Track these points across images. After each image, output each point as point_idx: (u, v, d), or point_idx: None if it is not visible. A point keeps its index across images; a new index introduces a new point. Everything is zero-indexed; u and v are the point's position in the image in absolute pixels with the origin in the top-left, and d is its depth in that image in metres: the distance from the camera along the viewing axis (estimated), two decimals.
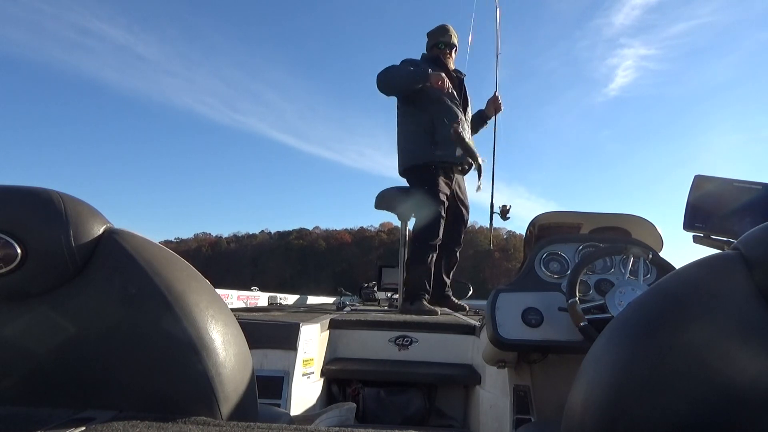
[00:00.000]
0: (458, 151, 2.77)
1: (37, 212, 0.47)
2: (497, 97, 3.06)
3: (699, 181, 1.15)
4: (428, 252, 2.81)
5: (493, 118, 3.13)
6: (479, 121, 3.15)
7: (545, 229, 1.63)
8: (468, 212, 3.04)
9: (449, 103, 2.83)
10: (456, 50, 3.01)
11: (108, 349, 0.47)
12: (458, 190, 2.95)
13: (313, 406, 1.76)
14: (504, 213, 2.90)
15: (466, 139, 2.69)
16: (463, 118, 2.84)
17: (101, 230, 0.51)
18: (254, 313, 2.26)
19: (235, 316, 0.57)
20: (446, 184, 2.83)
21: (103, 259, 0.49)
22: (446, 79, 2.65)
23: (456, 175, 2.92)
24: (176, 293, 0.49)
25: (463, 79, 3.04)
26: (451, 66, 2.98)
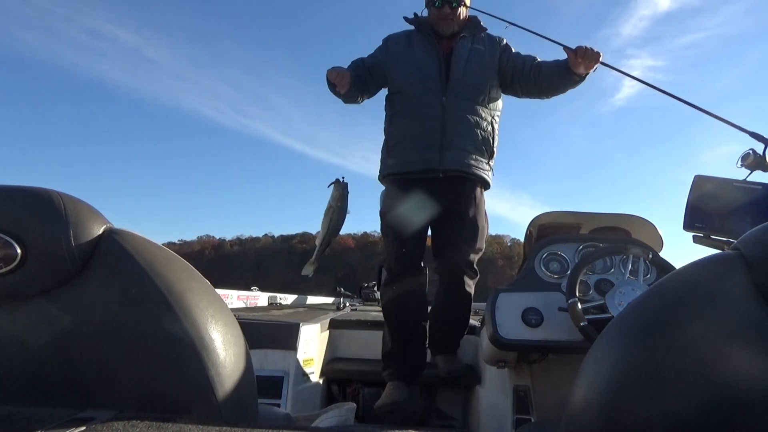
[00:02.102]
0: (423, 156, 1.79)
1: (37, 212, 0.47)
2: (582, 48, 1.68)
3: (699, 181, 1.15)
4: (388, 301, 1.84)
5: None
6: (562, 75, 1.78)
7: (545, 229, 1.63)
8: (472, 231, 1.80)
9: (414, 90, 1.83)
10: (464, 4, 1.88)
11: (108, 349, 0.47)
12: (443, 204, 1.80)
13: (313, 406, 1.76)
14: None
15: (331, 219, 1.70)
16: (445, 106, 1.78)
17: (101, 230, 0.51)
18: (254, 313, 2.26)
19: (235, 316, 0.57)
20: (402, 200, 1.83)
21: (103, 259, 0.49)
22: (339, 78, 1.75)
23: (438, 185, 1.80)
24: (176, 293, 0.49)
25: (464, 38, 1.88)
26: (452, 28, 1.88)
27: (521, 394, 1.48)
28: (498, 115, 1.88)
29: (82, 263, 0.48)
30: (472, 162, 1.79)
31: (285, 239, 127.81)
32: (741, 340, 0.41)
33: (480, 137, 1.80)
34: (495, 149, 1.85)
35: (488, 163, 1.84)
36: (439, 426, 1.95)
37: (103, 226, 0.51)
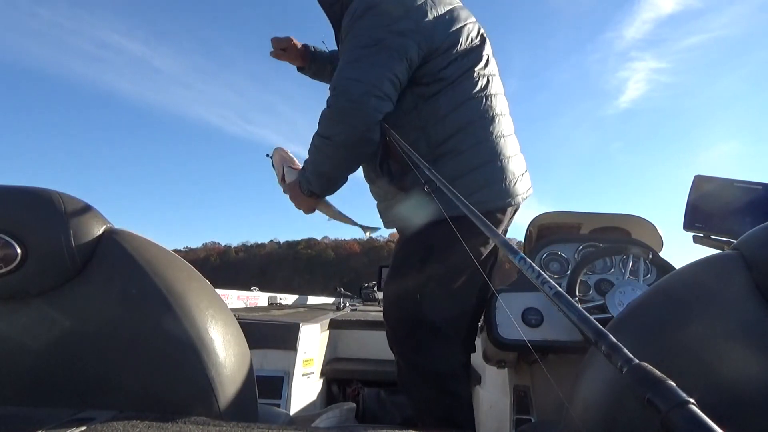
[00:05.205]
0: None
1: (37, 212, 0.47)
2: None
3: (699, 181, 1.15)
4: None
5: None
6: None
7: (545, 229, 1.63)
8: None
9: None
10: None
11: (108, 349, 0.47)
12: None
13: (313, 406, 1.76)
14: None
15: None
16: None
17: (101, 230, 0.51)
18: (254, 313, 2.26)
19: (235, 316, 0.57)
20: None
21: (103, 259, 0.49)
22: None
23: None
24: (176, 293, 0.49)
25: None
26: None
27: (521, 394, 1.48)
28: (393, 122, 1.09)
29: (82, 263, 0.48)
30: (390, 214, 1.23)
31: (290, 245, 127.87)
32: (741, 340, 0.41)
33: (370, 174, 1.23)
34: (399, 164, 1.07)
35: (402, 189, 1.13)
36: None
37: (103, 227, 0.51)
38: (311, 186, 1.12)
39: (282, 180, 1.25)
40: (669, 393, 0.27)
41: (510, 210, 1.15)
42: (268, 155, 1.32)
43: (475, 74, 1.13)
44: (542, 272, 0.46)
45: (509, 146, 1.16)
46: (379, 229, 1.31)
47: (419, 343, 1.13)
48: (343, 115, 1.01)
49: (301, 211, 1.21)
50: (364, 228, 1.31)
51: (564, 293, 0.42)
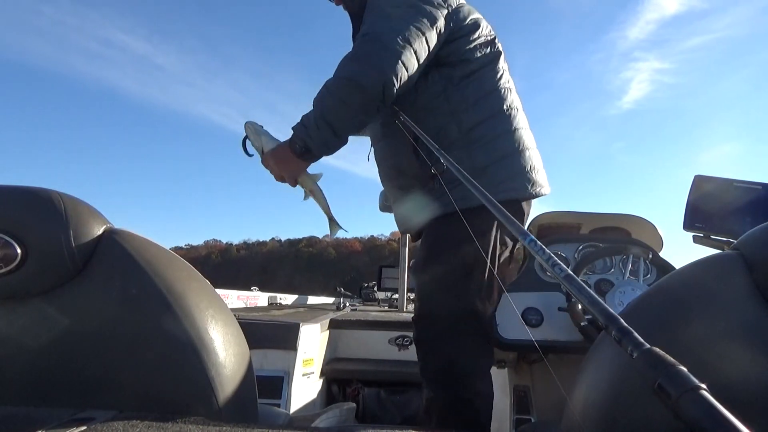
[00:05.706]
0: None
1: (37, 212, 0.47)
2: None
3: (699, 181, 1.15)
4: None
5: None
6: None
7: (545, 229, 1.63)
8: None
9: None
10: None
11: (108, 349, 0.47)
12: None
13: (313, 406, 1.76)
14: None
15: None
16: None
17: (101, 230, 0.51)
18: (254, 313, 2.26)
19: (235, 316, 0.57)
20: None
21: (103, 259, 0.49)
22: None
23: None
24: (176, 293, 0.49)
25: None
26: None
27: (521, 394, 1.48)
28: (422, 105, 1.10)
29: (82, 263, 0.48)
30: (410, 207, 1.20)
31: (292, 243, 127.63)
32: (741, 340, 0.41)
33: (401, 164, 1.18)
34: (439, 156, 0.93)
35: (434, 186, 1.10)
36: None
37: (103, 226, 0.51)
38: (310, 140, 1.01)
39: (262, 152, 1.12)
40: (680, 378, 0.26)
41: (533, 201, 1.19)
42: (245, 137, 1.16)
43: (499, 66, 1.17)
44: (552, 255, 0.46)
45: (530, 139, 1.20)
46: (342, 230, 1.22)
47: (460, 341, 1.10)
48: (371, 57, 0.96)
49: (287, 185, 1.11)
50: (332, 223, 1.20)
51: (574, 276, 0.42)
